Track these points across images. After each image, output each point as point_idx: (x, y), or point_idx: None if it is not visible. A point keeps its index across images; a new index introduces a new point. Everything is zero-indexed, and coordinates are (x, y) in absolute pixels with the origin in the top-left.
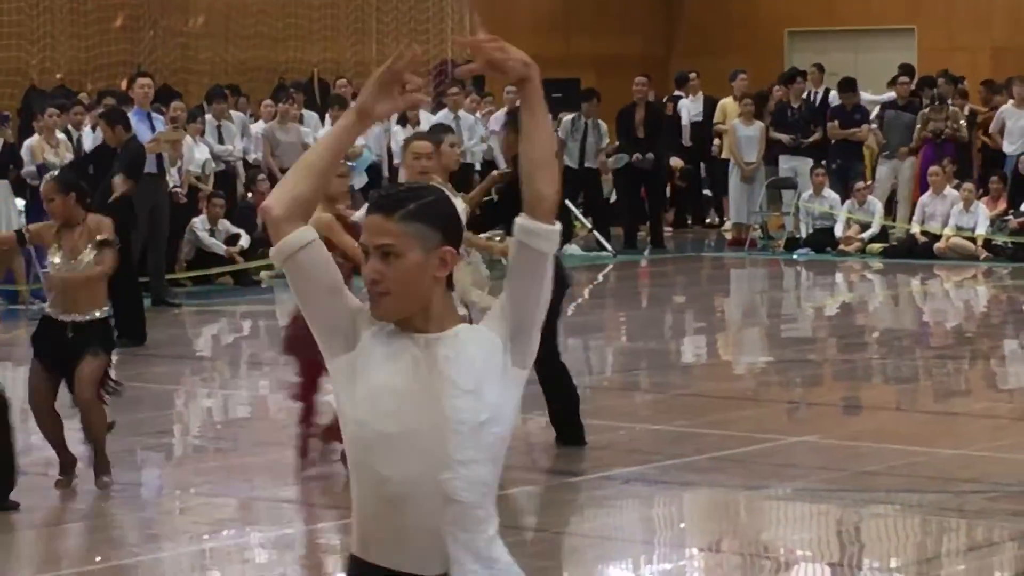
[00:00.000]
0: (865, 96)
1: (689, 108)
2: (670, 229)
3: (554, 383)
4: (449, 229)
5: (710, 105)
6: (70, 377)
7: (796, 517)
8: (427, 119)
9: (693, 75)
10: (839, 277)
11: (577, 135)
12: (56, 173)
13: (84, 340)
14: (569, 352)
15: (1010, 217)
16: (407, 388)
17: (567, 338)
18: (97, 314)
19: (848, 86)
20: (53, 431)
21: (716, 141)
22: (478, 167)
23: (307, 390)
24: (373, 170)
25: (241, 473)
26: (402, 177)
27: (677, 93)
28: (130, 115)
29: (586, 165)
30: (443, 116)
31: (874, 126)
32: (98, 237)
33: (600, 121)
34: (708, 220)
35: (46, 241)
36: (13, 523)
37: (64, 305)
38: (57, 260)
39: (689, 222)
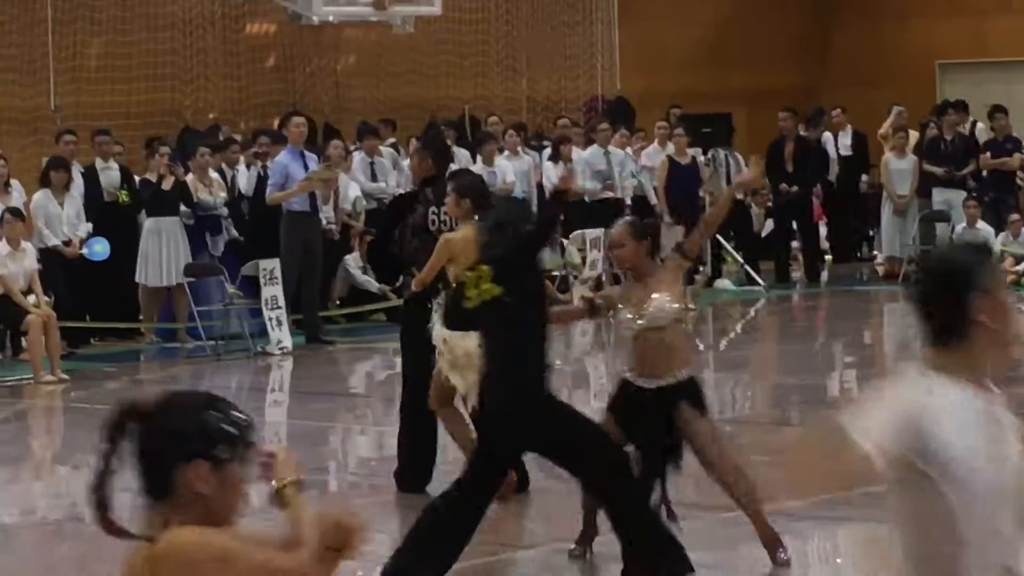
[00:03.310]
0: None
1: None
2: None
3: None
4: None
5: (859, 139)
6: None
7: None
8: (578, 154)
9: (837, 112)
10: None
11: (720, 170)
12: (631, 218)
13: (669, 405)
14: (720, 386)
15: None
16: None
17: (719, 372)
18: (681, 375)
19: (999, 111)
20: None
21: (864, 176)
22: (628, 202)
23: None
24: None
25: (396, 509)
26: None
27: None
28: (283, 154)
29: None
30: (593, 152)
31: None
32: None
33: (737, 154)
34: (859, 254)
35: (616, 305)
36: None
37: (642, 367)
38: (626, 317)
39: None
